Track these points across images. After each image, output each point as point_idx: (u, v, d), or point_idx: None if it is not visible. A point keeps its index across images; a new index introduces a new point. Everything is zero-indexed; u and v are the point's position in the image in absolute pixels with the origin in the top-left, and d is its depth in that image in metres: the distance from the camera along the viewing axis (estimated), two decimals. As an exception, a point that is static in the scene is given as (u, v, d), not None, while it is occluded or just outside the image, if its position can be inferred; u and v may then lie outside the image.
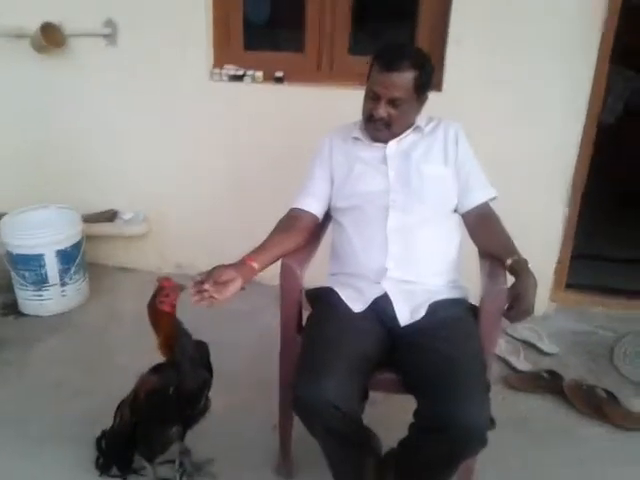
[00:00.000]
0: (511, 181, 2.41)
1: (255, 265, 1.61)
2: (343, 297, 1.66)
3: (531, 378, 2.30)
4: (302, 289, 1.71)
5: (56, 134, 3.00)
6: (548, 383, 2.26)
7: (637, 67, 4.21)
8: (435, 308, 1.61)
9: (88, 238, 2.88)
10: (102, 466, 1.83)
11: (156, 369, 1.64)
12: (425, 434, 1.45)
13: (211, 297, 1.48)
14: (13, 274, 2.70)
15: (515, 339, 2.57)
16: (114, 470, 1.82)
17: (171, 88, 2.80)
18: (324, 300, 1.70)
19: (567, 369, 2.36)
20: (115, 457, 1.82)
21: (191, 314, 1.61)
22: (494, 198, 1.77)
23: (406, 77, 1.62)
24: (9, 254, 2.66)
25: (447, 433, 1.37)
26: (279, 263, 1.68)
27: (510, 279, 1.57)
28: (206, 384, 1.67)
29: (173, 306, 1.57)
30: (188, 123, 2.85)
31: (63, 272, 2.70)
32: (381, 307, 1.63)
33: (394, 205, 1.68)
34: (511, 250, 1.62)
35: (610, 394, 2.17)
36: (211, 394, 1.71)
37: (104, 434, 1.84)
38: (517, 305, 1.51)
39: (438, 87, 2.50)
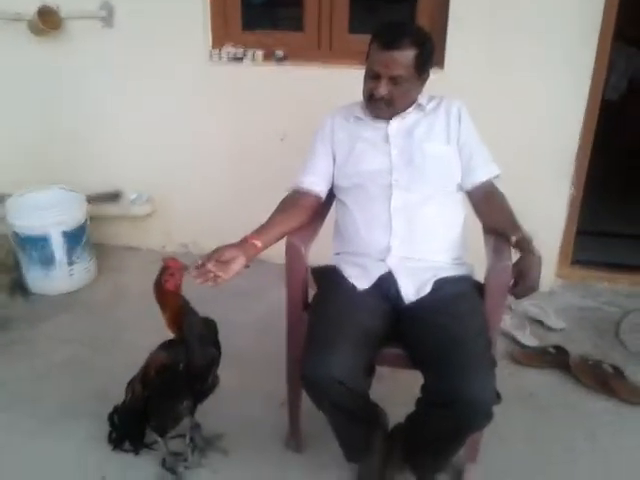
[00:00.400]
0: (515, 158, 2.40)
1: (258, 243, 1.61)
2: (348, 275, 1.67)
3: (537, 353, 2.31)
4: (307, 267, 1.71)
5: (57, 116, 2.99)
6: (554, 358, 2.27)
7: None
8: (440, 285, 1.62)
9: (94, 218, 2.89)
10: (115, 440, 1.86)
11: (165, 346, 1.66)
12: (432, 409, 1.47)
13: (215, 276, 1.49)
14: (21, 254, 2.71)
15: (521, 315, 2.57)
16: (126, 444, 1.85)
17: (170, 69, 2.78)
18: (329, 278, 1.71)
19: (573, 344, 2.37)
20: (127, 432, 1.84)
21: (198, 293, 1.61)
22: (498, 175, 1.76)
23: (407, 55, 1.60)
24: (16, 234, 2.67)
25: (453, 407, 1.39)
26: (284, 241, 1.69)
27: (515, 255, 1.57)
28: (214, 361, 1.68)
29: (178, 285, 1.58)
30: (189, 104, 2.84)
31: (70, 252, 2.72)
32: (386, 285, 1.64)
33: (397, 184, 1.68)
34: (516, 226, 1.62)
35: (616, 369, 2.18)
36: (220, 371, 1.73)
37: (116, 409, 1.86)
38: (522, 281, 1.52)
39: (440, 65, 2.48)
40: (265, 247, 1.64)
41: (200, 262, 1.51)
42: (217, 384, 1.74)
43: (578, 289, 2.81)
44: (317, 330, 1.56)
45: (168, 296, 1.58)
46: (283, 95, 2.71)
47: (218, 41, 2.76)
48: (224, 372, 1.75)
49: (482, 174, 1.73)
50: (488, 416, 1.41)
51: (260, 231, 1.65)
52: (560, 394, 2.15)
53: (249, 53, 2.70)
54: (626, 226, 3.39)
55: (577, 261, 2.88)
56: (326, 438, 1.71)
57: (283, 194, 1.81)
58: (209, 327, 1.68)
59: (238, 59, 2.72)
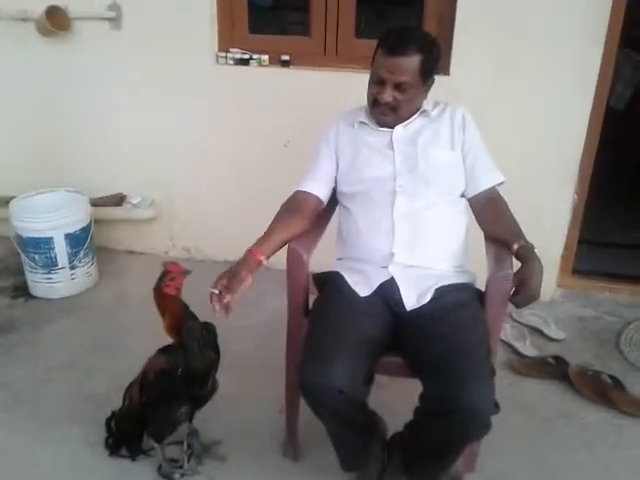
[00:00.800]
0: (518, 165, 2.41)
1: (262, 258, 1.62)
2: (349, 282, 1.67)
3: (537, 363, 2.31)
4: (309, 273, 1.71)
5: (62, 118, 3.00)
6: (554, 369, 2.27)
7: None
8: (441, 293, 1.61)
9: (96, 222, 2.89)
10: (112, 446, 1.86)
11: (164, 350, 1.66)
12: (430, 417, 1.47)
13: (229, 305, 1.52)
14: (23, 257, 2.72)
15: (521, 324, 2.57)
16: (123, 450, 1.85)
17: (177, 72, 2.79)
18: (331, 284, 1.71)
19: (573, 355, 2.36)
20: (124, 437, 1.85)
21: (198, 298, 1.62)
22: (502, 183, 1.76)
23: (412, 61, 1.60)
24: (19, 237, 2.68)
25: (452, 417, 1.39)
26: (286, 247, 1.69)
27: (516, 264, 1.57)
28: (213, 365, 1.68)
29: (178, 290, 1.59)
30: (194, 107, 2.84)
31: (72, 255, 2.72)
32: (387, 292, 1.64)
33: (401, 190, 1.68)
34: (518, 235, 1.62)
35: (616, 380, 2.17)
36: (219, 377, 1.73)
37: (114, 415, 1.87)
38: (523, 290, 1.52)
39: (445, 71, 2.49)
40: (268, 258, 1.64)
41: (217, 292, 1.52)
42: (216, 389, 1.74)
43: (579, 299, 2.81)
44: (317, 337, 1.56)
45: (168, 301, 1.59)
46: (288, 99, 2.72)
47: (225, 44, 2.77)
48: (223, 378, 1.75)
49: (486, 181, 1.74)
50: (486, 426, 1.41)
51: (262, 243, 1.65)
52: (559, 405, 2.15)
53: (255, 57, 2.72)
54: (628, 236, 3.38)
55: (578, 271, 2.87)
56: (323, 446, 1.71)
57: (285, 199, 1.81)
58: (208, 332, 1.68)
59: (244, 62, 2.73)
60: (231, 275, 1.56)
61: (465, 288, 1.67)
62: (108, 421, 1.87)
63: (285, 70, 2.72)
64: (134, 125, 2.95)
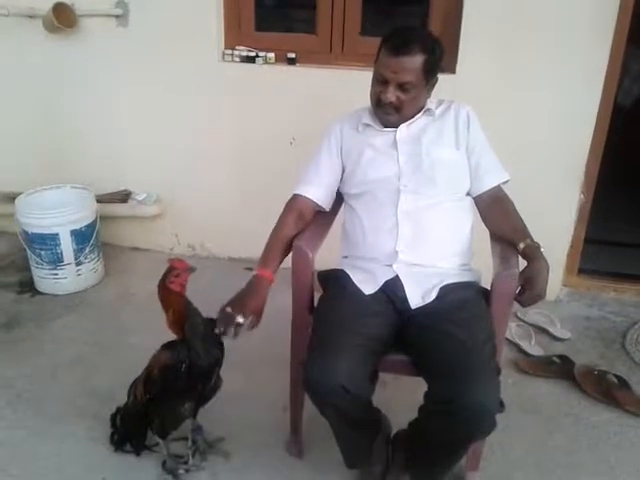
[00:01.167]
0: (525, 164, 2.40)
1: (271, 275, 1.65)
2: (354, 280, 1.66)
3: (542, 363, 2.30)
4: (314, 271, 1.71)
5: (69, 114, 3.01)
6: (559, 368, 2.26)
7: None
8: (446, 291, 1.61)
9: (102, 218, 2.90)
10: (117, 442, 1.87)
11: (168, 346, 1.66)
12: (435, 416, 1.47)
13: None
14: (29, 253, 2.73)
15: (526, 323, 2.57)
16: (128, 446, 1.86)
17: (182, 69, 2.79)
18: (335, 282, 1.71)
19: (578, 354, 2.36)
20: (129, 433, 1.85)
21: (203, 295, 1.63)
22: (507, 181, 1.76)
23: (415, 61, 1.60)
24: (25, 233, 2.69)
25: (456, 415, 1.38)
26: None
27: (522, 263, 1.57)
28: (217, 361, 1.68)
29: (183, 286, 1.59)
30: (200, 104, 2.84)
31: (78, 252, 2.73)
32: (392, 290, 1.64)
33: (405, 189, 1.68)
34: (524, 234, 1.62)
35: (621, 380, 2.17)
36: (223, 374, 1.73)
37: (118, 411, 1.87)
38: (529, 289, 1.51)
39: (451, 70, 2.48)
40: (276, 270, 1.67)
41: (240, 320, 1.55)
42: (220, 386, 1.74)
43: (585, 298, 2.80)
44: (321, 334, 1.56)
45: (172, 297, 1.59)
46: (294, 97, 2.72)
47: (231, 41, 2.78)
48: (227, 375, 1.75)
49: (490, 180, 1.73)
50: (491, 425, 1.41)
51: (267, 261, 1.67)
52: (564, 404, 2.14)
53: (261, 54, 2.72)
54: (634, 235, 3.36)
55: (584, 270, 2.87)
56: (327, 444, 1.71)
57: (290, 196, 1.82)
58: (213, 328, 1.68)
59: (250, 60, 2.73)
60: (247, 308, 1.58)
61: (470, 287, 1.67)
62: (113, 417, 1.88)
63: (291, 68, 2.71)
64: (140, 122, 2.95)
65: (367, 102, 1.76)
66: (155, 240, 3.16)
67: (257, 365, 2.24)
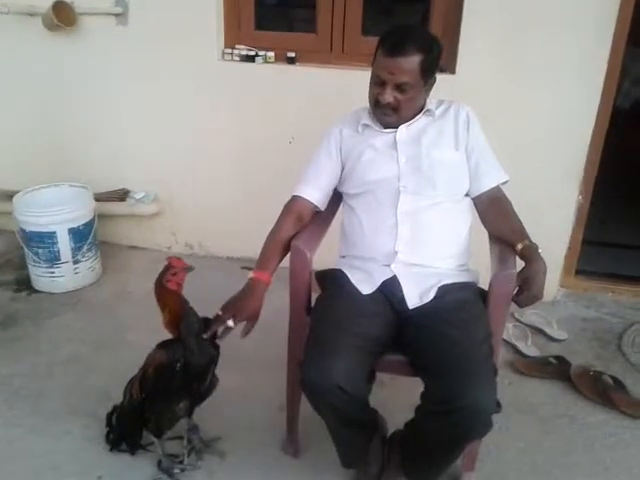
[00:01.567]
0: (524, 165, 2.40)
1: (268, 278, 1.65)
2: (352, 280, 1.67)
3: (538, 363, 2.31)
4: (312, 271, 1.71)
5: (68, 112, 3.00)
6: (555, 369, 2.27)
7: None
8: (444, 291, 1.61)
9: (100, 217, 2.90)
10: (112, 441, 1.87)
11: (163, 345, 1.65)
12: (431, 416, 1.47)
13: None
14: (26, 251, 2.73)
15: (523, 324, 2.57)
16: (124, 445, 1.86)
17: (182, 68, 2.79)
18: (333, 282, 1.71)
19: (575, 355, 2.36)
20: (125, 432, 1.85)
21: (199, 294, 1.63)
22: (506, 182, 1.76)
23: (412, 61, 1.59)
24: (22, 231, 2.69)
25: (453, 416, 1.38)
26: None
27: (520, 264, 1.57)
28: (213, 360, 1.68)
29: (180, 285, 1.59)
30: (199, 103, 2.84)
31: (75, 250, 2.73)
32: (390, 290, 1.64)
33: (404, 190, 1.68)
34: (522, 235, 1.62)
35: (617, 381, 2.17)
36: (220, 374, 1.73)
37: (115, 409, 1.87)
38: (526, 290, 1.52)
39: (452, 70, 2.49)
40: (274, 273, 1.67)
41: (230, 324, 1.57)
42: (216, 385, 1.74)
43: (581, 299, 2.81)
44: (319, 334, 1.56)
45: (168, 295, 1.58)
46: (294, 96, 2.72)
47: (231, 40, 2.78)
48: (223, 374, 1.75)
49: (489, 181, 1.73)
50: (487, 425, 1.41)
51: (264, 263, 1.67)
52: (560, 405, 2.14)
53: (261, 53, 2.71)
54: (631, 237, 3.37)
55: (581, 271, 2.87)
56: (323, 443, 1.71)
57: (289, 197, 1.82)
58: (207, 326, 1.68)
59: (250, 59, 2.73)
60: (247, 313, 1.60)
61: (468, 287, 1.67)
62: (109, 416, 1.87)
63: (291, 67, 2.71)
64: (139, 120, 2.95)
65: (367, 102, 1.76)
66: (153, 239, 3.16)
67: (254, 364, 2.24)
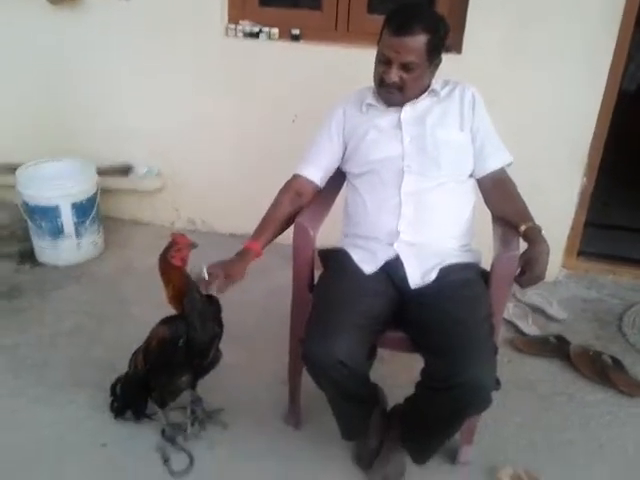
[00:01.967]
0: (528, 147, 2.40)
1: (260, 249, 1.67)
2: (355, 259, 1.68)
3: (538, 342, 2.33)
4: (315, 249, 1.72)
5: (71, 86, 2.99)
6: (555, 348, 2.29)
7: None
8: (446, 272, 1.62)
9: (103, 191, 2.90)
10: (117, 410, 1.90)
11: (166, 321, 1.67)
12: (431, 392, 1.49)
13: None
14: (30, 224, 2.74)
15: (524, 303, 2.59)
16: (128, 414, 1.89)
17: (186, 44, 2.77)
18: (336, 261, 1.73)
19: (575, 335, 2.38)
20: (129, 402, 1.88)
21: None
22: (510, 164, 1.76)
23: (418, 41, 1.58)
24: (25, 204, 2.69)
25: (453, 392, 1.41)
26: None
27: (523, 245, 1.58)
28: (216, 337, 1.70)
29: (184, 261, 1.59)
30: (203, 79, 2.83)
31: (78, 224, 2.74)
32: (392, 269, 1.65)
33: (409, 170, 1.68)
34: (525, 216, 1.62)
35: (616, 361, 2.19)
36: (223, 348, 1.75)
37: (118, 380, 1.90)
38: (529, 271, 1.52)
39: (458, 49, 2.47)
40: (266, 245, 1.69)
41: (208, 280, 1.56)
42: (219, 360, 1.76)
43: (583, 280, 2.82)
44: (321, 311, 1.58)
45: (172, 271, 1.59)
46: (297, 74, 2.70)
47: (235, 16, 2.75)
48: (227, 349, 1.77)
49: (494, 162, 1.73)
50: (487, 401, 1.44)
51: (259, 235, 1.70)
52: (559, 383, 2.17)
53: (265, 30, 2.69)
54: (633, 219, 3.37)
55: (583, 253, 2.88)
56: (325, 415, 1.74)
57: (292, 174, 1.82)
58: (212, 304, 1.69)
59: (254, 35, 2.70)
60: (227, 271, 1.58)
61: (470, 267, 1.68)
62: (113, 386, 1.90)
63: (295, 44, 2.69)
64: (141, 96, 2.94)
65: (371, 82, 1.75)
66: (156, 214, 3.17)
67: (257, 339, 2.27)
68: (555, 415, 2.02)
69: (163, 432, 1.83)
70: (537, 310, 2.57)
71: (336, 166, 1.84)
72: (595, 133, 2.53)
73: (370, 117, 1.76)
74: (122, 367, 1.86)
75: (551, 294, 2.62)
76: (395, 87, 1.66)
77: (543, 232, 1.57)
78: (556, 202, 2.61)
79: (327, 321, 1.52)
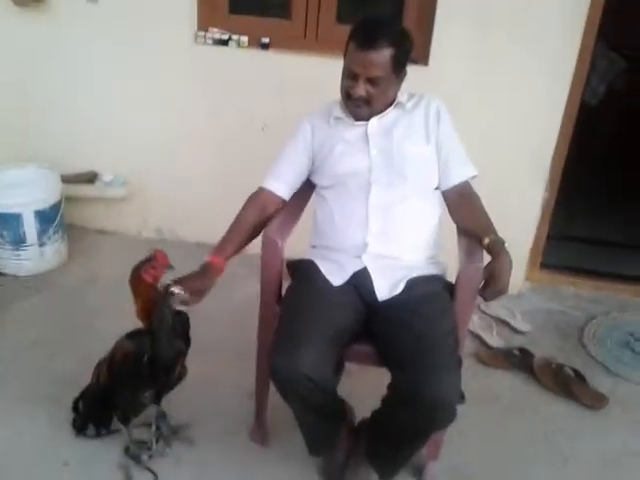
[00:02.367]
0: (492, 159, 2.42)
1: (223, 263, 1.64)
2: (323, 270, 1.68)
3: (502, 355, 2.35)
4: (283, 260, 1.72)
5: (35, 91, 2.92)
6: (519, 360, 2.31)
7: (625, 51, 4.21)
8: (412, 284, 1.63)
9: (67, 199, 2.84)
10: (79, 426, 1.85)
11: (132, 335, 1.64)
12: (397, 406, 1.50)
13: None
14: (-9, 232, 2.67)
15: (489, 315, 2.62)
16: (90, 430, 1.85)
17: (154, 50, 2.73)
18: (304, 272, 1.72)
19: (538, 347, 2.41)
20: (91, 417, 1.84)
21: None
22: (474, 176, 1.78)
23: (383, 55, 1.60)
24: (-14, 212, 2.62)
25: (418, 406, 1.42)
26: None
27: (487, 258, 1.59)
28: (181, 353, 1.67)
29: (155, 280, 1.57)
30: (171, 86, 2.80)
31: (41, 233, 2.67)
32: (360, 281, 1.65)
33: (376, 182, 1.69)
34: (489, 229, 1.64)
35: (578, 373, 2.23)
36: (190, 361, 1.73)
37: (82, 394, 1.85)
38: (492, 284, 1.54)
39: (425, 61, 2.50)
40: (229, 259, 1.67)
41: (175, 290, 1.53)
42: (184, 376, 1.73)
43: (545, 292, 2.86)
44: (287, 323, 1.57)
45: (142, 286, 1.57)
46: (266, 82, 2.69)
47: (204, 23, 2.72)
48: (194, 361, 1.75)
49: (458, 175, 1.75)
50: (452, 415, 1.45)
51: (222, 249, 1.67)
52: (523, 396, 2.20)
53: (234, 37, 2.68)
54: (594, 232, 3.44)
55: (546, 265, 2.93)
56: (291, 431, 1.73)
57: (260, 183, 1.82)
58: (180, 320, 1.66)
59: (223, 43, 2.69)
60: (191, 288, 1.56)
61: (436, 280, 1.70)
62: (75, 402, 1.86)
63: (264, 53, 2.68)
64: (108, 102, 2.89)
65: (339, 91, 1.75)
66: (122, 223, 3.11)
67: (224, 352, 2.24)
68: (520, 429, 2.05)
69: (127, 450, 1.79)
70: (501, 322, 2.60)
71: (303, 179, 1.84)
72: (557, 145, 2.58)
73: (338, 130, 1.77)
74: (85, 382, 1.82)
75: (515, 306, 2.66)
76: (362, 101, 1.67)
77: (506, 245, 1.59)
78: (519, 215, 2.65)
79: (293, 334, 1.51)
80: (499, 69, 2.48)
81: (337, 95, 1.76)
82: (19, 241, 2.64)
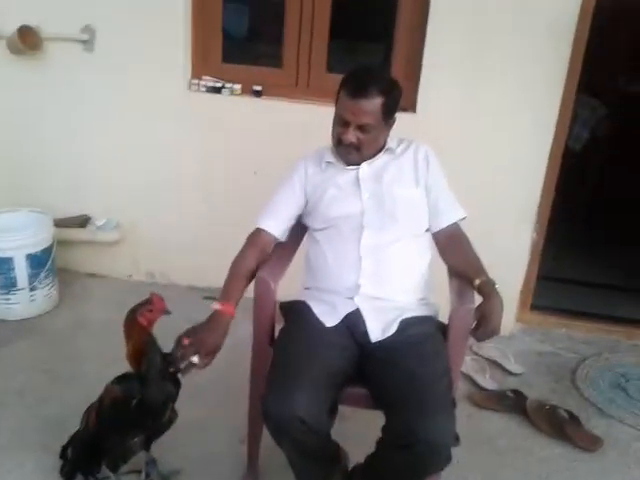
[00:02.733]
0: (480, 202, 2.46)
1: (232, 309, 1.63)
2: (316, 312, 1.68)
3: (496, 397, 2.34)
4: (276, 302, 1.72)
5: (29, 137, 2.96)
6: (512, 402, 2.30)
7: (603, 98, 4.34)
8: (405, 325, 1.64)
9: (59, 243, 2.84)
10: (67, 474, 1.80)
11: (120, 380, 1.63)
12: (392, 449, 1.48)
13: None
14: (-19, 276, 2.66)
15: (481, 357, 2.61)
16: (78, 478, 1.80)
17: (148, 97, 2.80)
18: (297, 314, 1.72)
19: (531, 389, 2.41)
20: (80, 463, 1.79)
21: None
22: (464, 218, 1.81)
23: (374, 104, 1.65)
24: (-22, 256, 2.62)
25: (413, 449, 1.40)
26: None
27: (478, 299, 1.61)
28: (170, 398, 1.65)
29: (150, 323, 1.57)
30: (166, 132, 2.85)
31: (32, 277, 2.67)
32: (353, 323, 1.66)
33: (368, 225, 1.72)
34: (479, 270, 1.66)
35: (572, 415, 2.22)
36: (181, 404, 1.70)
37: (70, 440, 1.82)
38: (484, 325, 1.55)
39: (412, 108, 2.57)
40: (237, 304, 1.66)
41: (194, 360, 1.53)
42: (174, 420, 1.70)
43: (537, 334, 2.88)
44: (281, 366, 1.57)
45: (136, 329, 1.56)
46: (259, 129, 2.75)
47: (198, 71, 2.80)
48: (185, 406, 1.73)
49: (448, 218, 1.78)
50: (447, 458, 1.43)
51: (230, 296, 1.65)
52: (517, 438, 2.18)
53: (228, 85, 2.74)
54: (584, 274, 3.48)
55: (536, 306, 2.95)
56: (284, 476, 1.70)
57: (252, 228, 1.83)
58: (168, 365, 1.64)
59: (216, 91, 2.76)
60: (205, 346, 1.55)
61: (428, 321, 1.71)
62: (64, 448, 1.82)
63: (256, 100, 2.75)
64: (102, 147, 2.93)
65: (330, 137, 1.79)
66: (113, 266, 3.11)
67: (215, 396, 2.22)
68: (514, 471, 2.02)
69: (116, 498, 1.75)
70: (494, 364, 2.60)
71: (297, 218, 1.86)
72: (543, 189, 2.64)
73: (329, 175, 1.81)
74: (73, 428, 1.78)
75: (507, 347, 2.66)
76: (353, 147, 1.71)
77: (497, 286, 1.61)
78: (508, 256, 2.68)
79: (287, 377, 1.50)
80: (485, 116, 2.56)
81: (328, 141, 1.80)
82: (10, 285, 2.63)
